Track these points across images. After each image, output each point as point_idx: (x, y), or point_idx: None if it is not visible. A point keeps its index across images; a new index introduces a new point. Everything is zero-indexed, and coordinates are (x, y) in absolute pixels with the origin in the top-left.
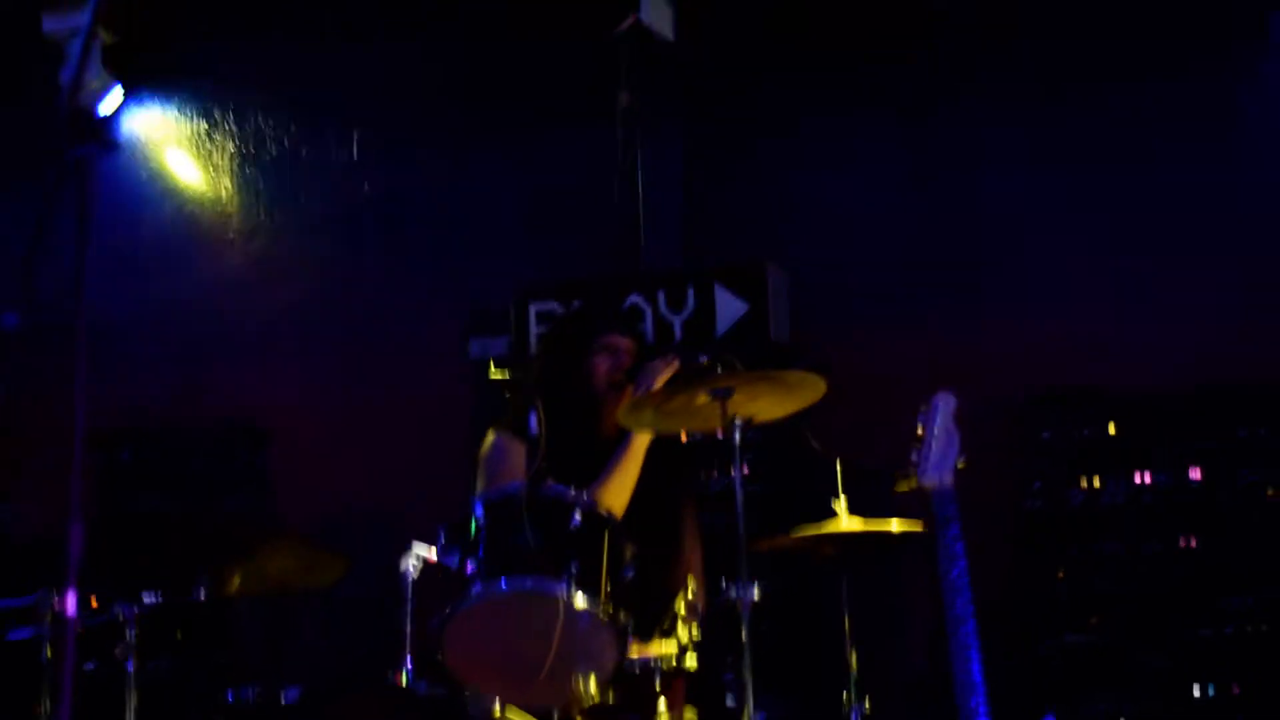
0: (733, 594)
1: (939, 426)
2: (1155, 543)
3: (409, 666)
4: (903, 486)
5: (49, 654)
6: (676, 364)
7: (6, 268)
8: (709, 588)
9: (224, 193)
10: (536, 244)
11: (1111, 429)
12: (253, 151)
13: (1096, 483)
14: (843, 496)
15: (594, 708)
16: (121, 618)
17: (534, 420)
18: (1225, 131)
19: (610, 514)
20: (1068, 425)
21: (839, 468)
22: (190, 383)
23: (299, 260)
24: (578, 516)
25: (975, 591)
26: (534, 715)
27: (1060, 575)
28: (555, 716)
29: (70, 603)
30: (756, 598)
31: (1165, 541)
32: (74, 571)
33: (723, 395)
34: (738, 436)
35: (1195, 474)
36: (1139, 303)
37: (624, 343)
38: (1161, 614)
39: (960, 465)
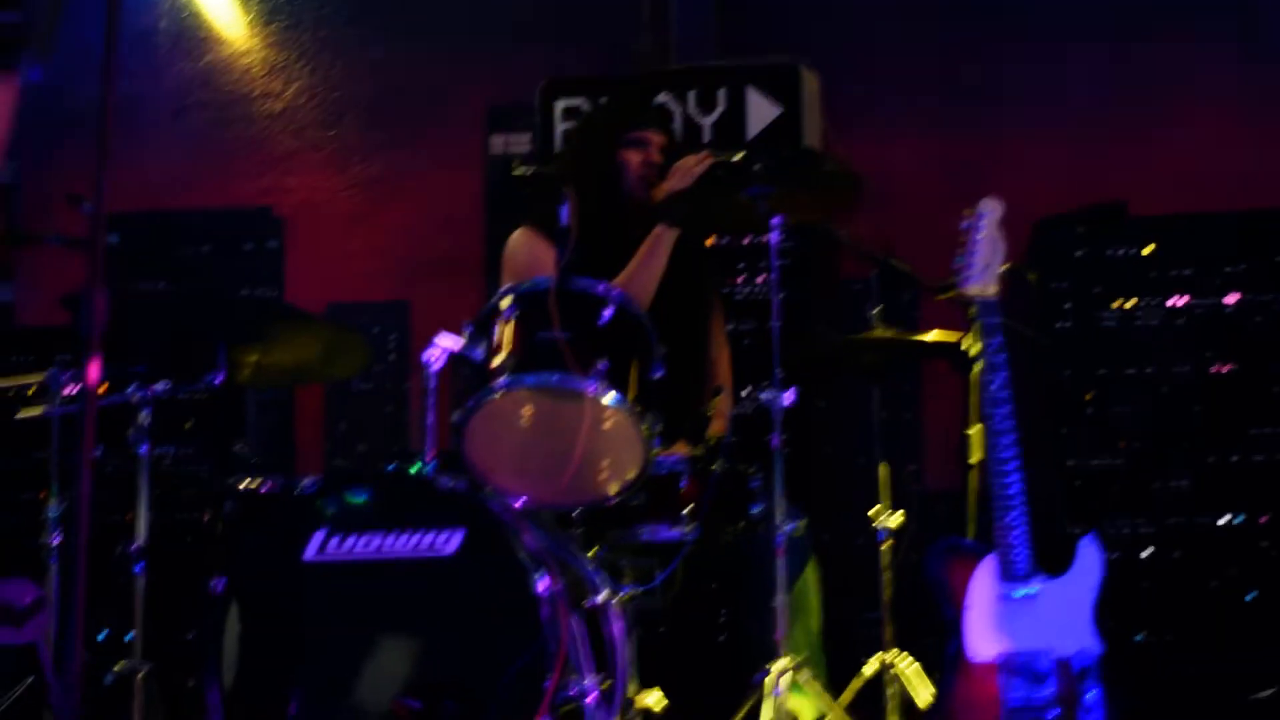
0: (764, 398)
1: (984, 234)
2: (1187, 368)
3: (430, 459)
4: (944, 295)
5: (59, 437)
6: (710, 161)
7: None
8: (733, 394)
9: None
10: (563, 37)
11: (1146, 250)
12: None
13: (1129, 305)
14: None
15: (617, 508)
16: (136, 399)
17: (564, 213)
18: None
19: (642, 311)
20: (1101, 244)
21: (875, 276)
22: (203, 166)
23: (318, 45)
24: (608, 312)
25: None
26: (556, 513)
27: (1089, 397)
28: (577, 515)
29: (93, 371)
30: (789, 403)
31: (1197, 367)
32: (97, 338)
33: (761, 193)
34: (775, 237)
35: (1231, 299)
36: (1178, 120)
37: (656, 137)
38: (1191, 440)
39: (1002, 272)
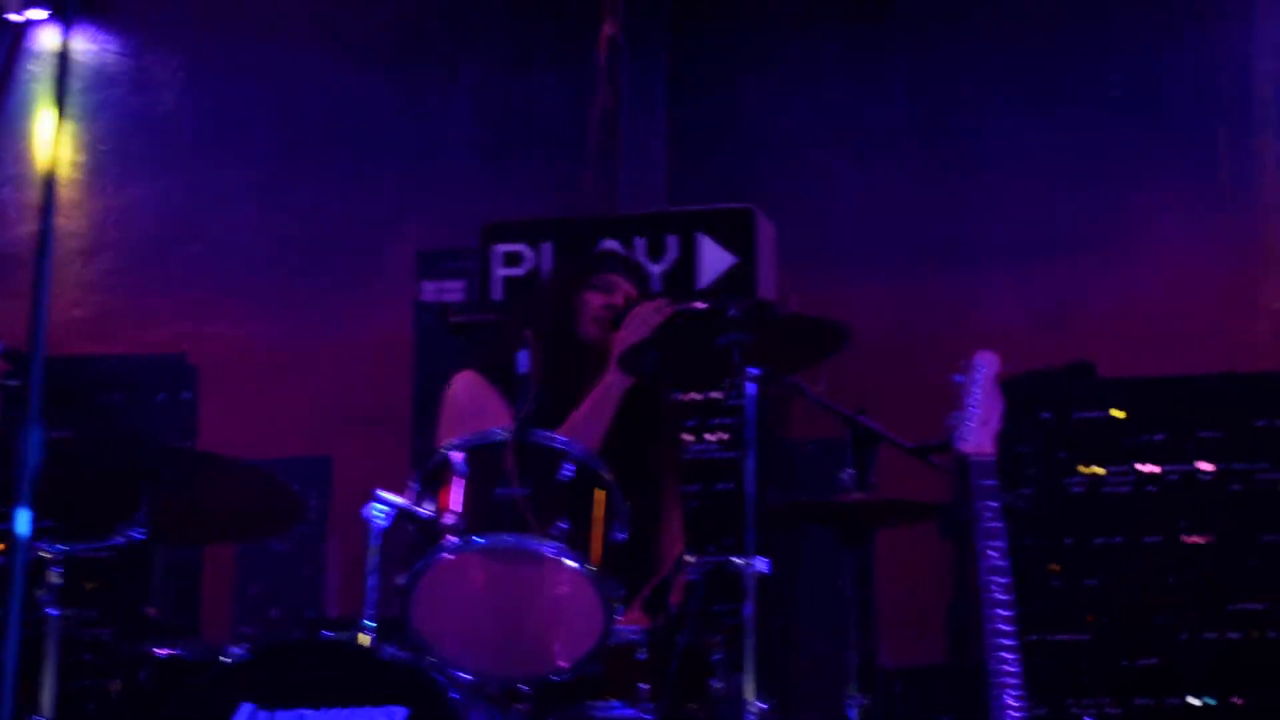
0: (737, 564)
1: (980, 388)
2: (1159, 538)
3: (372, 627)
4: (930, 456)
5: None
6: (670, 310)
7: None
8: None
9: (162, 111)
10: (501, 183)
11: (1116, 413)
12: (196, 68)
13: (1097, 470)
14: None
15: (569, 682)
16: (46, 554)
17: (523, 359)
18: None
19: (605, 467)
20: (1068, 407)
21: (849, 434)
22: (113, 311)
23: (240, 186)
24: (570, 468)
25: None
26: (501, 686)
27: (1055, 568)
28: (525, 690)
29: (23, 521)
30: (765, 569)
31: (1170, 537)
32: (30, 483)
33: (737, 341)
34: (752, 389)
35: (1206, 466)
36: (1149, 280)
37: (620, 283)
38: (1163, 615)
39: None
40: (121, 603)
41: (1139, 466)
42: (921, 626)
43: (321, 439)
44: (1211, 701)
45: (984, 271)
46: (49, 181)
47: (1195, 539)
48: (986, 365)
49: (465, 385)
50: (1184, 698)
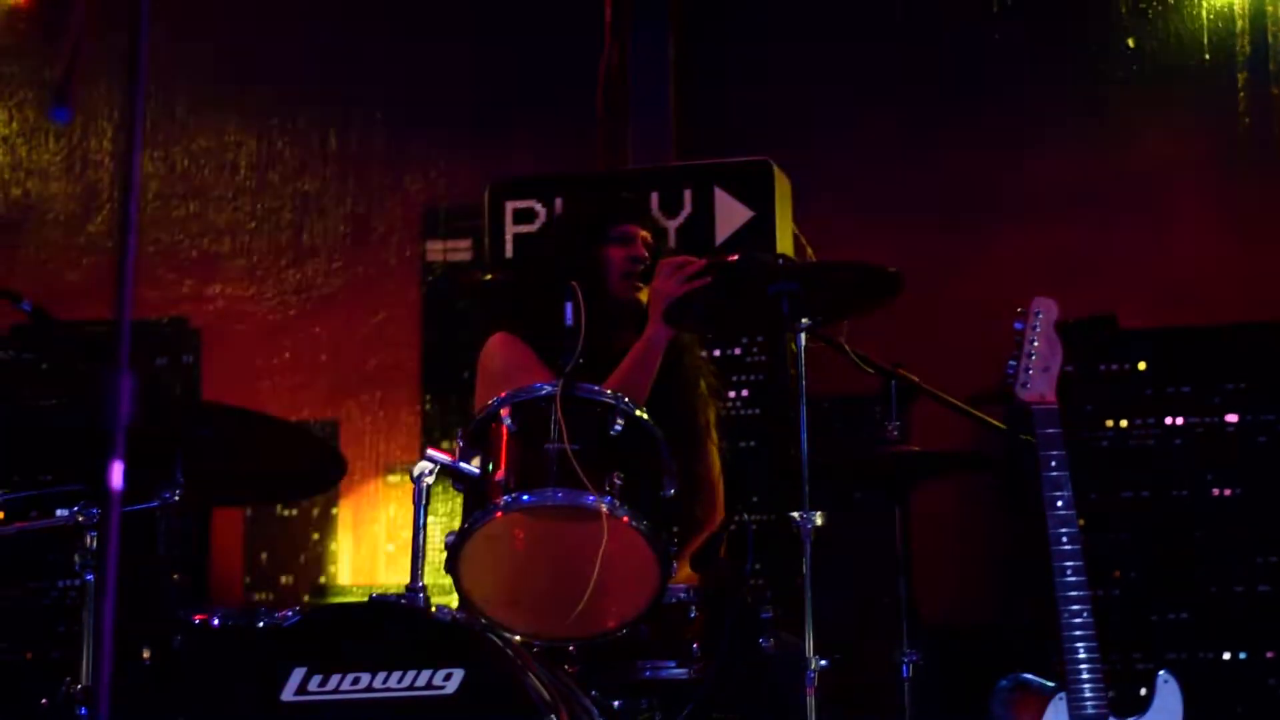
0: (795, 519)
1: (1040, 335)
2: (1186, 491)
3: (421, 587)
4: (983, 404)
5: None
6: (703, 260)
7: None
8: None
9: (153, 68)
10: (502, 140)
11: (1142, 365)
12: (185, 23)
13: (1124, 423)
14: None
15: (618, 641)
16: (81, 519)
17: (569, 312)
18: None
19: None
20: (1093, 360)
21: (893, 387)
22: (109, 273)
23: (236, 144)
24: (620, 422)
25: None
26: (550, 648)
27: (1081, 523)
28: (573, 650)
29: (116, 474)
30: (820, 523)
31: (1197, 490)
32: (123, 433)
33: (786, 291)
34: (802, 340)
35: (1232, 418)
36: (1169, 230)
37: (641, 233)
38: (1192, 569)
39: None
40: (129, 569)
41: (1166, 418)
42: (960, 583)
43: (327, 402)
44: (1243, 655)
45: (999, 222)
46: (129, 131)
47: (1223, 492)
48: (1046, 310)
49: (500, 345)
50: (1216, 652)
